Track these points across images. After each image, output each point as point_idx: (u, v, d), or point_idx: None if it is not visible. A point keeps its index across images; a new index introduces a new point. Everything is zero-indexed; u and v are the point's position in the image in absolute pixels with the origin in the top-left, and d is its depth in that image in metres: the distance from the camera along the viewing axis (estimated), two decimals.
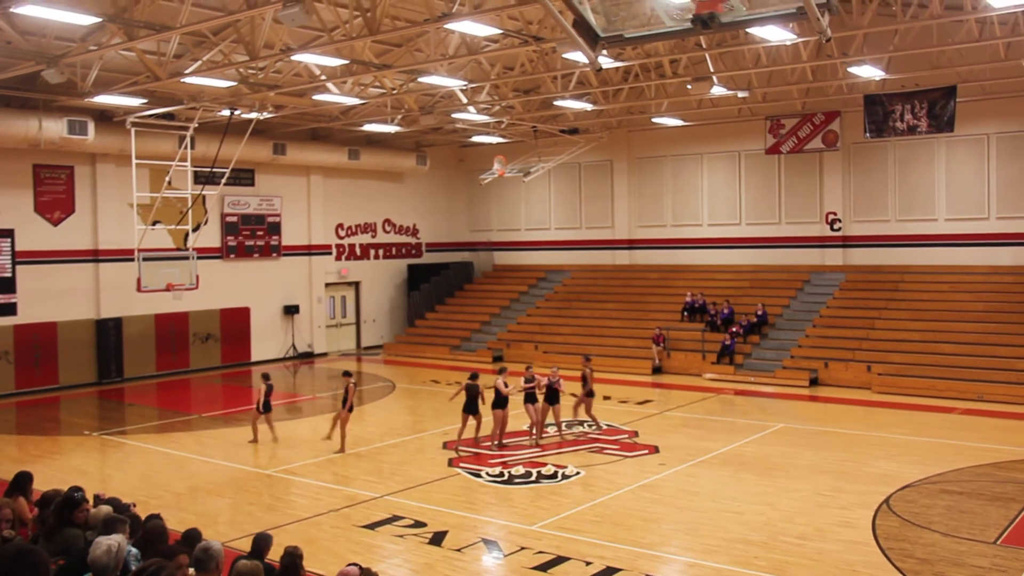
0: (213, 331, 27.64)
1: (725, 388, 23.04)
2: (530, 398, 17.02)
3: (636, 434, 17.51)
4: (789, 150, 27.12)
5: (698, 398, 21.74)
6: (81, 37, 17.72)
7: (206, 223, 27.06)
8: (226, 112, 21.77)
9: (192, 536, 7.31)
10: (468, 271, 35.02)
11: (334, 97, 21.50)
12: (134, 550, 6.62)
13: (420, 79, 20.77)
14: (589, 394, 18.02)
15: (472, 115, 25.37)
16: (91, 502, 8.74)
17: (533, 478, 14.33)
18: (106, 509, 7.55)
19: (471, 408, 16.81)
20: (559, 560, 10.47)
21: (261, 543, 7.69)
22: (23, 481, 8.88)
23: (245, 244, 28.67)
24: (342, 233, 31.92)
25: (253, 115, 22.34)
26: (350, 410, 16.48)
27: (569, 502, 12.94)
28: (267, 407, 17.12)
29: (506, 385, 16.50)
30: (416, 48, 20.37)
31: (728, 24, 6.13)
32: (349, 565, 6.94)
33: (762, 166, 28.48)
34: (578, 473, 14.53)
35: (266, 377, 17.39)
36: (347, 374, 17.07)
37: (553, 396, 17.07)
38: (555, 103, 24.10)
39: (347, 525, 12.01)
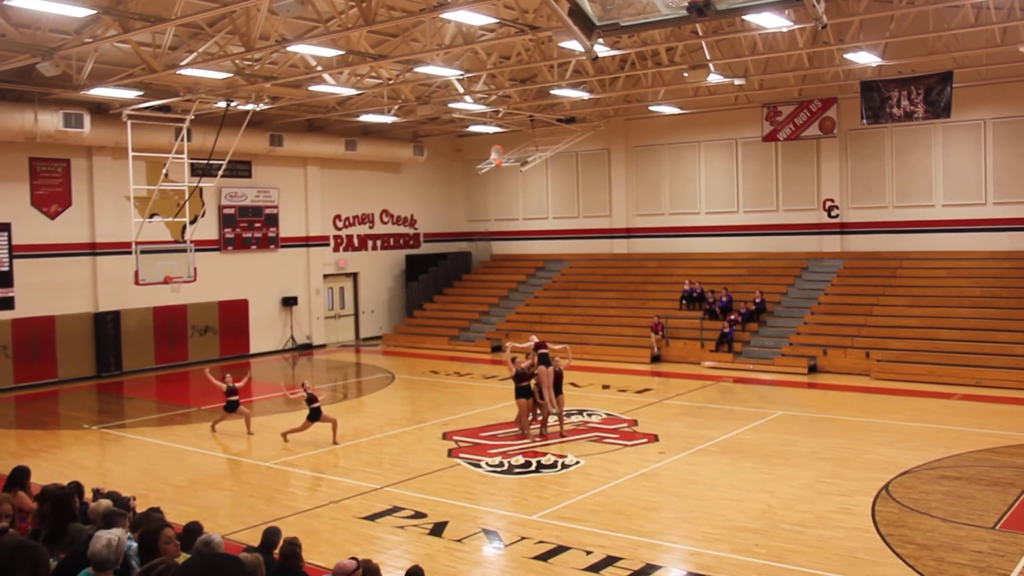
0: (212, 323, 27.63)
1: (724, 376, 23.06)
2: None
3: (635, 423, 17.53)
4: (786, 137, 27.08)
5: (697, 386, 21.77)
6: (76, 29, 17.64)
7: (203, 215, 27.06)
8: (222, 104, 21.70)
9: (193, 529, 7.32)
10: (466, 261, 35.01)
11: (330, 88, 21.45)
12: (134, 544, 6.62)
13: (416, 69, 20.71)
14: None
15: (469, 105, 25.31)
16: (91, 496, 8.77)
17: (533, 468, 14.35)
18: (106, 503, 7.56)
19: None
20: (559, 550, 10.50)
21: (271, 536, 7.69)
22: (21, 476, 8.84)
23: (243, 236, 28.63)
24: (340, 224, 31.88)
25: (249, 107, 22.28)
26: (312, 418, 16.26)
27: (569, 491, 12.96)
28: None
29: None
30: (412, 38, 20.30)
31: (724, 11, 6.13)
32: (348, 559, 6.94)
33: (759, 153, 28.45)
34: (578, 463, 14.55)
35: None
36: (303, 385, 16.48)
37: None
38: (552, 92, 24.05)
39: (347, 516, 12.03)
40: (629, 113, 30.32)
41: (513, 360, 16.56)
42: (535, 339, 16.98)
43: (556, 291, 31.01)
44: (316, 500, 12.90)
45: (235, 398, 17.09)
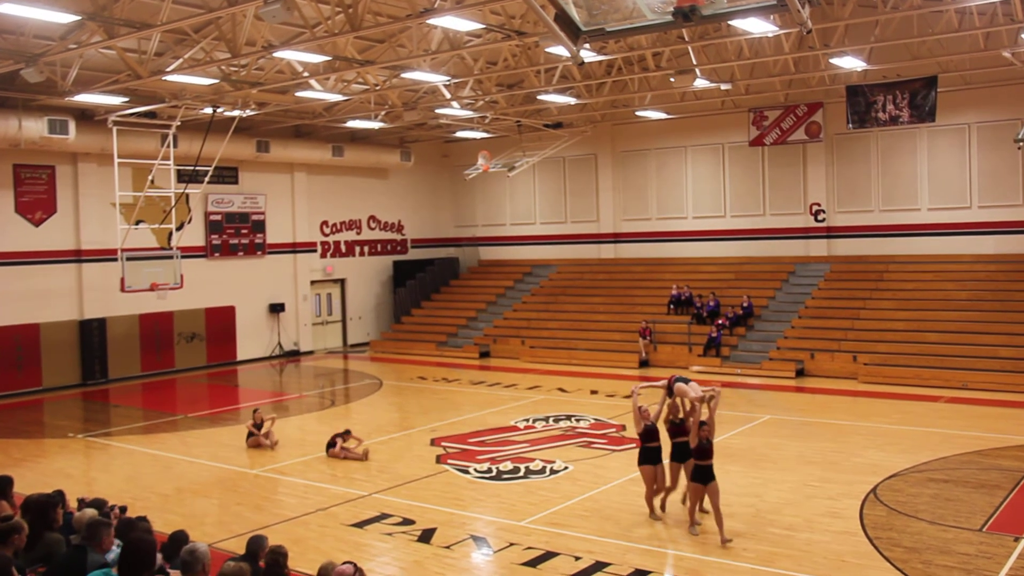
0: (198, 330, 27.49)
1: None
2: (679, 452, 11.74)
3: (624, 428, 17.52)
4: (772, 142, 27.16)
5: None
6: (60, 36, 17.56)
7: (190, 222, 26.93)
8: (209, 110, 21.63)
9: (179, 538, 7.27)
10: (454, 267, 34.97)
11: (317, 94, 21.40)
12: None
13: (403, 75, 20.71)
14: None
15: (456, 110, 25.32)
16: (75, 505, 8.69)
17: (521, 474, 14.31)
18: (91, 512, 7.50)
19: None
20: (548, 555, 10.47)
21: (255, 545, 7.63)
22: (3, 485, 8.75)
23: (229, 242, 28.51)
24: (327, 230, 31.81)
25: (236, 113, 22.20)
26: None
27: (557, 497, 12.93)
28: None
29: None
30: (399, 44, 20.29)
31: (709, 17, 6.11)
32: (344, 563, 6.86)
33: (746, 158, 28.54)
34: (566, 468, 14.53)
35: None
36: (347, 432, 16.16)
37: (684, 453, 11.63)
38: (539, 97, 24.09)
39: (335, 524, 11.97)
40: (616, 118, 30.37)
41: (640, 409, 11.94)
42: (695, 389, 11.65)
43: (544, 296, 31.00)
44: (304, 507, 12.83)
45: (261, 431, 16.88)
